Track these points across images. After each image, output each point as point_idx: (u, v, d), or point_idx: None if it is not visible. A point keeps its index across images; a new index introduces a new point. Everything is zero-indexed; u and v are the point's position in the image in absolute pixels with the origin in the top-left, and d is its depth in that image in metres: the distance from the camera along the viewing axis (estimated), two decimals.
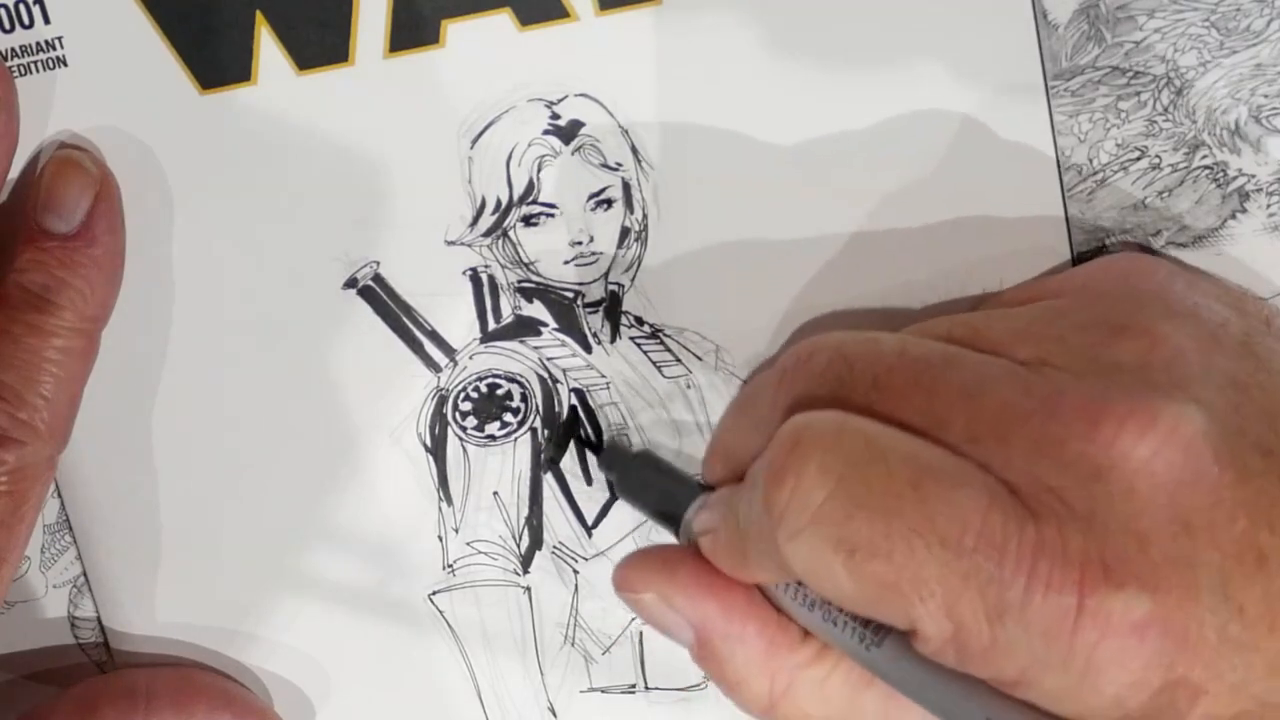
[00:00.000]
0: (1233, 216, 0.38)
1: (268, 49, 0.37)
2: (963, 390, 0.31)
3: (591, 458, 0.39)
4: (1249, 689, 0.28)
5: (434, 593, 0.40)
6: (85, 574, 0.40)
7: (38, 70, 0.37)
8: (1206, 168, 0.38)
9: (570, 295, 0.39)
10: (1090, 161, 0.38)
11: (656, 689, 0.41)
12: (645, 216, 0.38)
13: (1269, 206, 0.38)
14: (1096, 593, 0.28)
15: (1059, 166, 0.38)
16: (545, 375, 0.39)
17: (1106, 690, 0.28)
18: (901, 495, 0.29)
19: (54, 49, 0.37)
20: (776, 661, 0.33)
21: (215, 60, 0.37)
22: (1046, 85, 0.37)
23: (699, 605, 0.34)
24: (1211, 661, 0.28)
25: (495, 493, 0.40)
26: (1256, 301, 0.37)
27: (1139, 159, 0.38)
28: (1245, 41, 0.37)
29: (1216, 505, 0.29)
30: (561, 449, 0.40)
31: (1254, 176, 0.38)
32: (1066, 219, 0.38)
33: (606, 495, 0.40)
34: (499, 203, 0.38)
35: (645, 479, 0.38)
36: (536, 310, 0.39)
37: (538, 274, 0.39)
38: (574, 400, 0.39)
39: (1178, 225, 0.38)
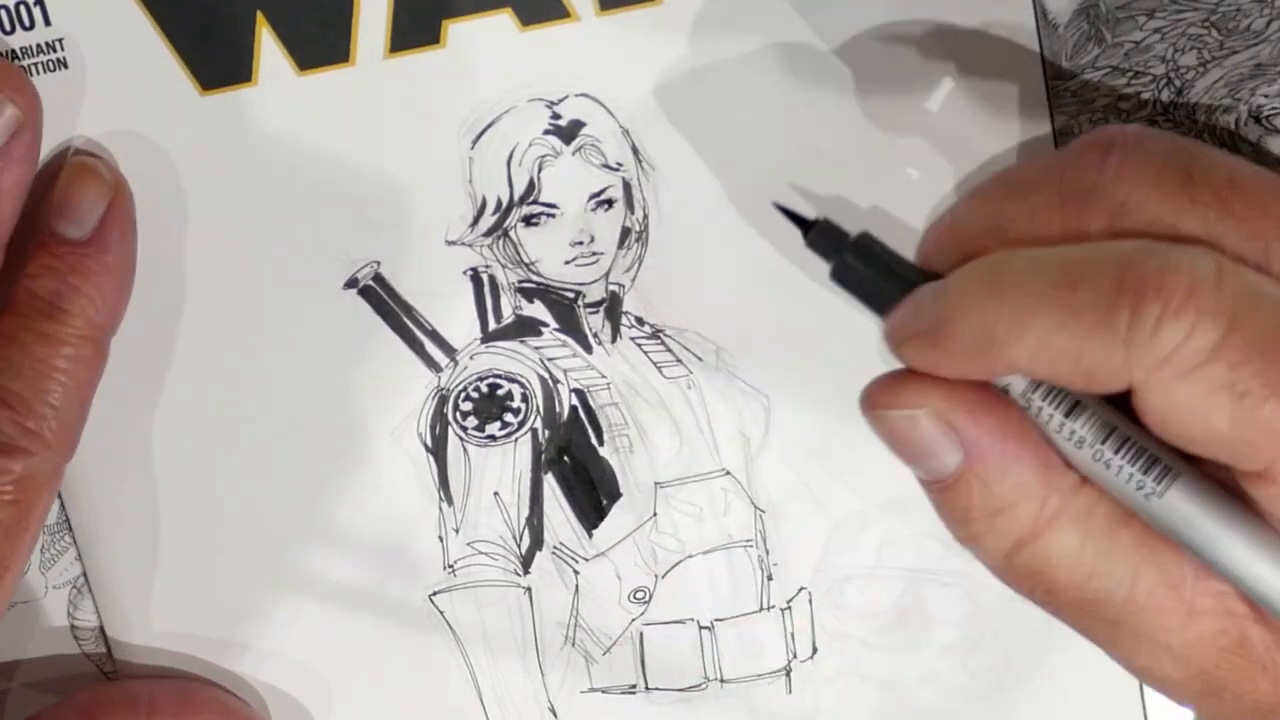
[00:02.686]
0: None
1: (268, 50, 0.37)
2: None
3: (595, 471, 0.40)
4: None
5: (434, 593, 0.40)
6: (86, 578, 0.40)
7: (39, 72, 0.37)
8: None
9: (571, 295, 0.39)
10: None
11: (657, 689, 0.41)
12: (646, 217, 0.38)
13: None
14: None
15: None
16: (546, 375, 0.39)
17: None
18: None
19: (55, 50, 0.37)
20: (1050, 482, 0.31)
21: (216, 61, 0.37)
22: (1047, 85, 0.37)
23: (980, 420, 0.31)
24: None
25: (496, 493, 0.40)
26: None
27: None
28: (1245, 41, 0.37)
29: None
30: (562, 450, 0.40)
31: None
32: None
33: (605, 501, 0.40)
34: (500, 203, 0.38)
35: (867, 271, 0.33)
36: (537, 310, 0.39)
37: (538, 274, 0.39)
38: (574, 401, 0.39)
39: None
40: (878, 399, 0.32)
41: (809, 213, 0.33)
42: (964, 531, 0.32)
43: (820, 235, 0.33)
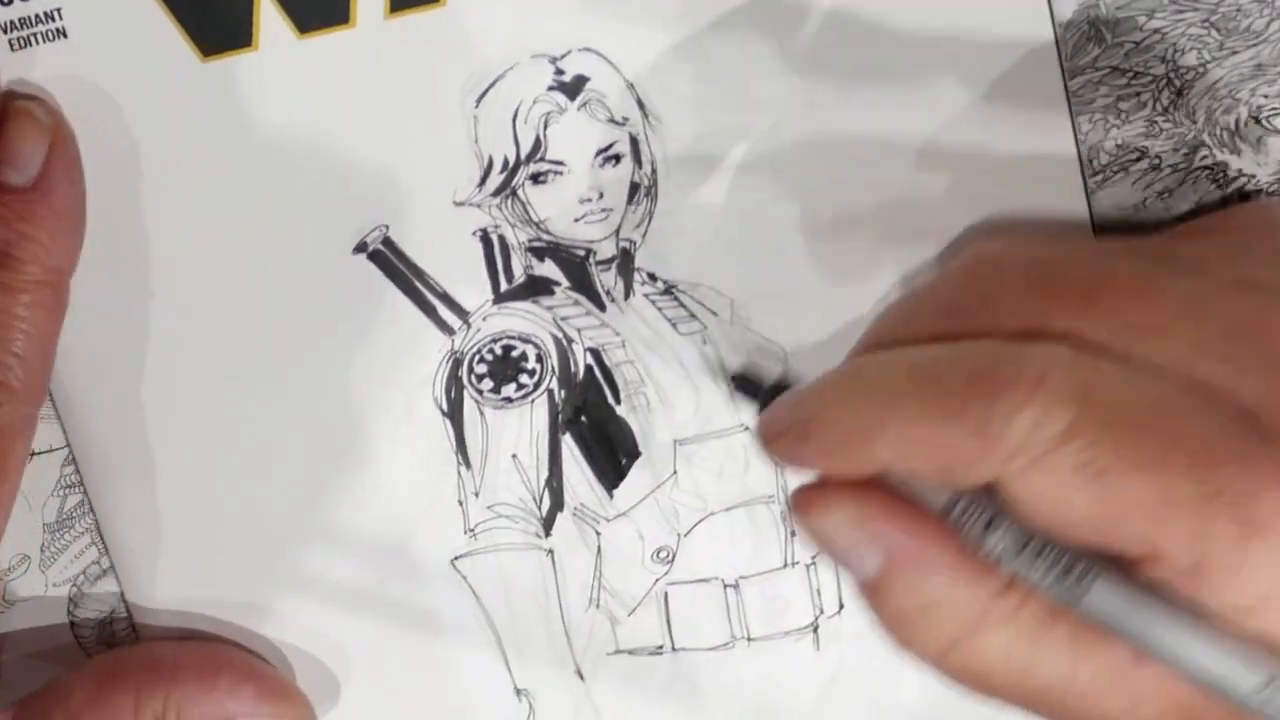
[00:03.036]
0: None
1: (268, 14, 0.37)
2: (1185, 302, 0.30)
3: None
4: None
5: (457, 558, 0.40)
6: (107, 551, 0.40)
7: (37, 42, 0.37)
8: (1207, 168, 0.38)
9: (581, 253, 0.39)
10: (1090, 162, 0.38)
11: (684, 649, 0.40)
12: (654, 171, 0.38)
13: None
14: None
15: (1080, 162, 0.37)
16: (560, 335, 0.39)
17: None
18: (1144, 419, 0.29)
19: (53, 20, 0.37)
20: (969, 589, 0.31)
21: (215, 27, 0.37)
22: (1065, 85, 0.37)
23: (897, 525, 0.31)
24: None
25: (514, 455, 0.39)
26: None
27: (1139, 159, 0.38)
28: (1245, 41, 0.37)
29: None
30: (579, 410, 0.39)
31: (1254, 177, 0.38)
32: (1091, 216, 0.38)
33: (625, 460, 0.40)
34: (506, 161, 0.38)
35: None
36: (548, 269, 0.39)
37: (548, 232, 0.38)
38: (589, 360, 0.39)
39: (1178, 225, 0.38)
40: (799, 504, 0.33)
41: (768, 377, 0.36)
42: (896, 635, 0.32)
43: (742, 384, 0.36)
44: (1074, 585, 0.30)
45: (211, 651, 0.39)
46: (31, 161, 0.36)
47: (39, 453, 0.39)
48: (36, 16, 0.37)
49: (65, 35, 0.37)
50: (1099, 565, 0.30)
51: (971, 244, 0.37)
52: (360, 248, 0.38)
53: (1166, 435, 0.28)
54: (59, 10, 0.37)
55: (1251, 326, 0.30)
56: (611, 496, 0.40)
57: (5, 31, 0.37)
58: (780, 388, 0.35)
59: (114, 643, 0.40)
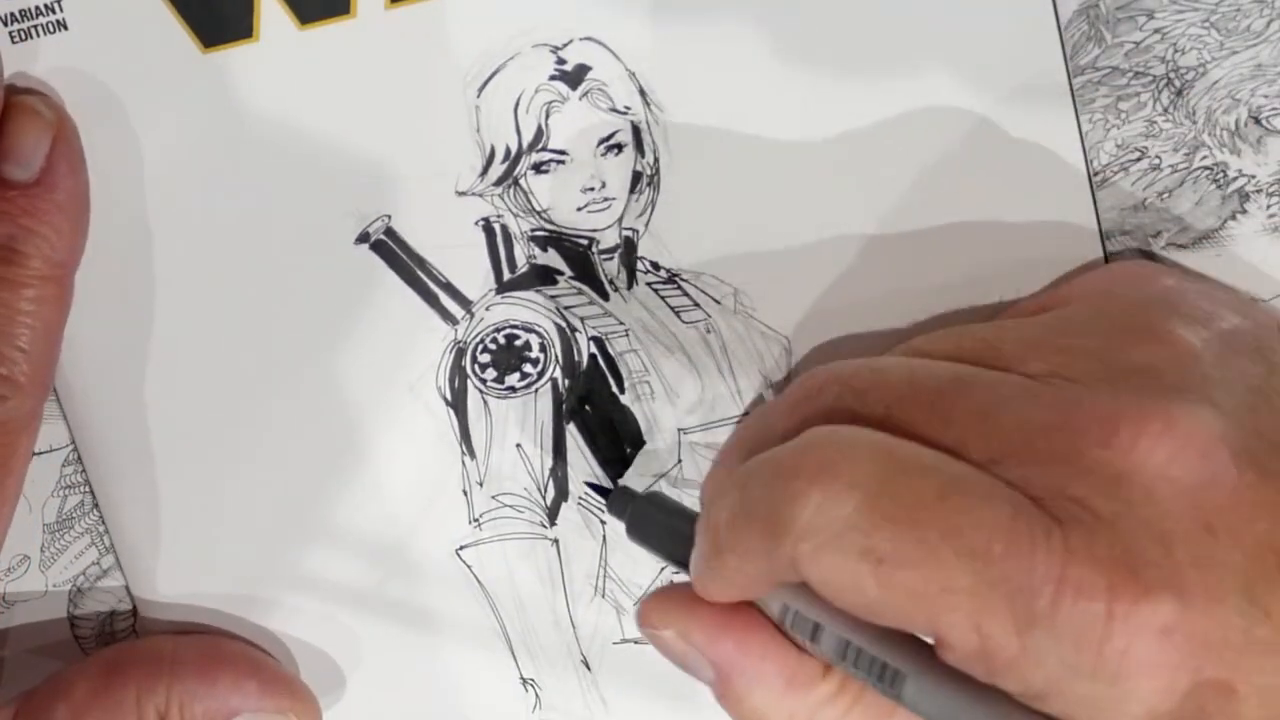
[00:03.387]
0: (1233, 217, 0.38)
1: (268, 4, 0.37)
2: (978, 413, 0.31)
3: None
4: None
5: (461, 548, 0.40)
6: (112, 546, 0.40)
7: (38, 35, 0.37)
8: (1206, 168, 0.38)
9: (584, 242, 0.39)
10: (1090, 162, 0.38)
11: None
12: (657, 160, 0.38)
13: (1269, 207, 0.38)
14: (1125, 597, 0.28)
15: (1086, 162, 0.37)
16: (563, 324, 0.39)
17: (1138, 697, 0.28)
18: (928, 506, 0.29)
19: (54, 12, 0.37)
20: (795, 699, 0.33)
21: (216, 18, 0.37)
22: (1070, 82, 0.37)
23: (718, 642, 0.34)
24: (1238, 663, 0.28)
25: (518, 444, 0.39)
26: (1265, 309, 0.37)
27: (1139, 159, 0.38)
28: (1245, 42, 0.37)
29: (1236, 507, 0.29)
30: (583, 399, 0.39)
31: (1254, 177, 0.38)
32: (1097, 215, 0.38)
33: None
34: (508, 151, 0.38)
35: (655, 521, 0.37)
36: (551, 259, 0.39)
37: (551, 222, 0.38)
38: (593, 349, 0.39)
39: (1178, 226, 0.38)
40: (638, 617, 0.35)
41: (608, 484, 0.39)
42: None
43: (617, 499, 0.38)
44: (889, 687, 0.31)
45: (214, 645, 0.39)
46: (34, 156, 0.36)
47: (39, 453, 0.39)
48: (37, 9, 0.37)
49: (65, 27, 0.37)
50: (910, 666, 0.31)
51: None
52: (363, 238, 0.38)
53: (948, 526, 0.29)
54: (59, 2, 0.37)
55: (1038, 424, 0.30)
56: (616, 486, 0.40)
57: (5, 24, 0.37)
58: (646, 500, 0.38)
59: (113, 642, 0.40)
